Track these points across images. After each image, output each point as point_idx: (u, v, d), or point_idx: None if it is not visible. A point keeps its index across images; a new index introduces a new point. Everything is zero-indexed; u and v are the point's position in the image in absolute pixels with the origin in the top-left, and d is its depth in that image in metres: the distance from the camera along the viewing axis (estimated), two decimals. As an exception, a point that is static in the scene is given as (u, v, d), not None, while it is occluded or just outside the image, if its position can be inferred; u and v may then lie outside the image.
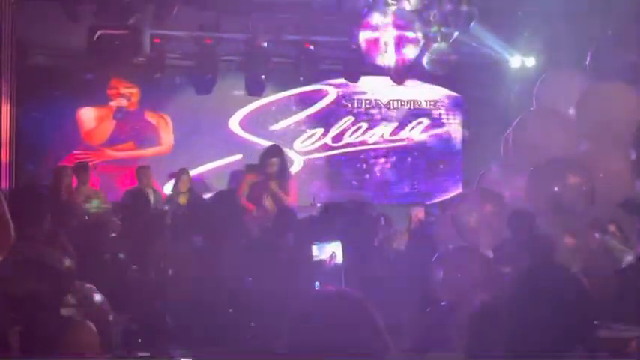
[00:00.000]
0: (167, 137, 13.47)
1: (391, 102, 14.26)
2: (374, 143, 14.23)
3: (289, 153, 13.83)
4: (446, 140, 14.40)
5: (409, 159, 14.32)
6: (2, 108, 9.78)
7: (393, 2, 10.10)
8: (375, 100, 14.22)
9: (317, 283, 4.76)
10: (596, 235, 6.84)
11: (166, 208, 10.00)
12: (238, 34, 12.13)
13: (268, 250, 5.36)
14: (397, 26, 10.47)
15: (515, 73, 12.40)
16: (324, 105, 14.11)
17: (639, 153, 7.13)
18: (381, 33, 10.64)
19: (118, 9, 10.34)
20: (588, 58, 7.65)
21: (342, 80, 13.75)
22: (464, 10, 10.39)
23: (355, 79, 13.43)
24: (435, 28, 11.02)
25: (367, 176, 14.19)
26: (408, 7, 10.14)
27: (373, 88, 14.12)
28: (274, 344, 3.83)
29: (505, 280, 6.19)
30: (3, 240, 3.20)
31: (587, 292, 3.71)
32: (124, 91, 13.23)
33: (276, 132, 13.87)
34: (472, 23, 10.59)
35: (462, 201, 7.47)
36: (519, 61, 12.54)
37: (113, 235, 6.10)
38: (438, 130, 14.37)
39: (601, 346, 3.79)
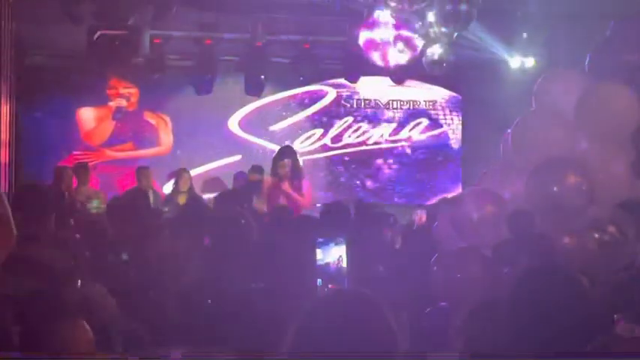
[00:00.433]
0: (166, 137, 13.48)
1: (390, 102, 14.25)
2: (373, 143, 14.23)
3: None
4: (445, 140, 14.39)
5: (408, 159, 14.31)
6: (2, 108, 9.78)
7: (392, 2, 10.11)
8: (375, 100, 14.22)
9: (319, 280, 4.76)
10: (596, 235, 6.85)
11: (165, 208, 9.98)
12: (238, 34, 12.13)
13: (271, 251, 5.36)
14: (396, 26, 10.49)
15: (515, 73, 12.41)
16: (324, 105, 14.11)
17: (639, 153, 7.14)
18: (380, 33, 10.65)
19: (117, 9, 10.35)
20: (588, 59, 7.66)
21: (341, 80, 13.75)
22: (463, 10, 10.39)
23: (355, 80, 13.43)
24: (434, 29, 11.03)
25: (366, 176, 14.18)
26: (407, 7, 10.14)
27: (373, 88, 14.12)
28: (277, 345, 3.83)
29: (504, 280, 6.20)
30: (5, 240, 3.21)
31: (586, 292, 3.71)
32: (123, 91, 13.23)
33: (275, 132, 13.88)
34: (471, 23, 10.59)
35: (462, 201, 7.47)
36: (519, 61, 12.54)
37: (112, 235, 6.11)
38: (438, 131, 14.37)
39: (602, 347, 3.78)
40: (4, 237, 3.17)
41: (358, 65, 12.33)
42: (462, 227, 7.12)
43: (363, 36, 10.66)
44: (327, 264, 4.87)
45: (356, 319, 2.20)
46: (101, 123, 13.22)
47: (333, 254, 4.88)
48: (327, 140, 14.03)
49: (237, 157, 13.46)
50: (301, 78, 13.10)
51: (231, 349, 4.15)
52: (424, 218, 10.71)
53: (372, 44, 10.71)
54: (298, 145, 13.86)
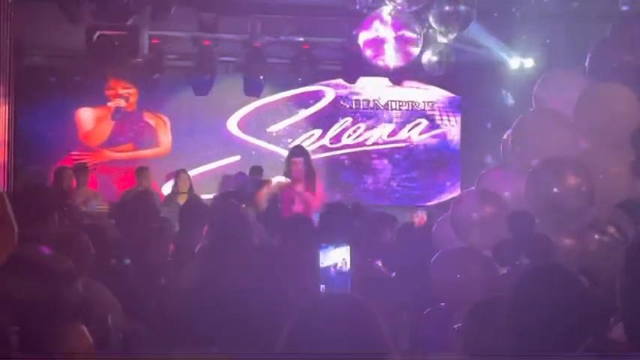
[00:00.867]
0: (165, 138, 13.48)
1: (389, 103, 14.26)
2: (372, 144, 14.23)
3: (287, 154, 13.82)
4: (444, 141, 14.40)
5: (407, 160, 14.31)
6: (0, 108, 9.77)
7: (391, 3, 10.10)
8: (374, 101, 14.23)
9: (322, 287, 4.75)
10: (596, 235, 6.85)
11: (165, 208, 9.97)
12: (236, 34, 12.13)
13: (273, 252, 5.36)
14: (395, 27, 10.47)
15: (514, 74, 12.41)
16: (323, 106, 14.11)
17: (639, 153, 7.13)
18: (379, 34, 10.64)
19: (116, 10, 10.34)
20: (587, 59, 7.65)
21: (340, 81, 13.76)
22: (462, 10, 10.39)
23: (353, 80, 13.43)
24: (433, 29, 11.03)
25: (365, 177, 14.18)
26: (406, 8, 10.13)
27: (371, 89, 14.13)
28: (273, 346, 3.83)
29: (504, 281, 6.19)
30: (6, 241, 3.19)
31: (586, 292, 3.71)
32: (122, 91, 13.23)
33: (274, 133, 13.88)
34: (471, 24, 10.59)
35: (461, 202, 7.46)
36: (518, 62, 12.54)
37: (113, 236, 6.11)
38: (437, 131, 14.37)
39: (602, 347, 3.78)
40: (5, 237, 3.16)
41: (357, 66, 12.32)
42: (461, 228, 7.11)
43: (362, 37, 10.64)
44: (330, 267, 4.86)
45: (346, 324, 2.20)
46: (100, 123, 13.22)
47: (336, 257, 4.87)
48: (325, 141, 14.04)
49: (236, 158, 13.46)
50: (300, 79, 13.12)
51: (229, 351, 4.14)
52: (424, 219, 10.73)
53: (370, 45, 10.69)
54: (297, 146, 13.87)
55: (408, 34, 10.42)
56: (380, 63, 10.80)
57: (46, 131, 12.62)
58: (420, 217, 11.15)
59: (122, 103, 13.22)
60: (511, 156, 7.62)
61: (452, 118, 14.39)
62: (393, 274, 7.59)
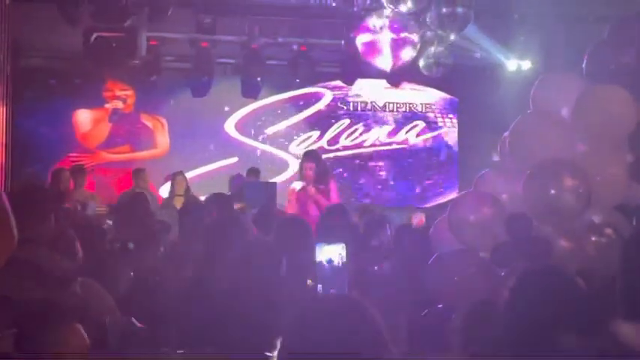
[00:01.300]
0: (163, 140, 13.47)
1: (387, 105, 14.27)
2: (370, 146, 14.24)
3: (284, 156, 13.85)
4: (442, 143, 14.41)
5: (405, 162, 14.32)
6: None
7: (389, 5, 10.12)
8: (371, 102, 14.24)
9: (319, 287, 4.74)
10: (593, 238, 6.85)
11: (163, 210, 9.97)
12: (234, 36, 12.14)
13: (268, 253, 5.35)
14: (393, 29, 10.49)
15: (512, 76, 12.43)
16: (320, 107, 14.12)
17: (636, 156, 7.14)
18: (377, 36, 10.66)
19: (114, 11, 10.34)
20: (585, 61, 7.67)
21: (338, 83, 13.76)
22: (460, 12, 10.40)
23: (351, 82, 13.44)
24: (431, 31, 11.04)
25: (363, 179, 14.19)
26: (404, 9, 10.15)
27: (369, 90, 14.14)
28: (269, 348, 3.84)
29: (502, 283, 6.19)
30: (5, 243, 3.19)
31: (584, 294, 3.72)
32: (119, 93, 13.23)
33: (272, 135, 13.88)
34: (468, 26, 10.60)
35: (459, 204, 7.46)
36: (515, 64, 12.56)
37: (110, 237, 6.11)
38: (434, 133, 14.39)
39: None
40: (5, 239, 3.15)
41: (355, 68, 12.33)
42: (459, 230, 7.11)
43: (360, 38, 10.66)
44: (328, 267, 4.86)
45: (345, 324, 2.20)
46: (97, 125, 13.21)
47: (334, 257, 4.87)
48: (323, 143, 14.04)
49: (234, 160, 13.46)
50: (298, 80, 13.11)
51: (224, 351, 4.14)
52: (421, 220, 10.73)
53: (368, 47, 10.71)
54: (295, 148, 13.87)
55: (406, 36, 10.43)
56: (377, 65, 10.82)
57: (44, 132, 12.62)
58: (418, 219, 11.15)
59: (120, 104, 13.21)
60: (509, 158, 7.62)
61: (449, 120, 14.40)
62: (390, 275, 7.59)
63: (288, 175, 13.68)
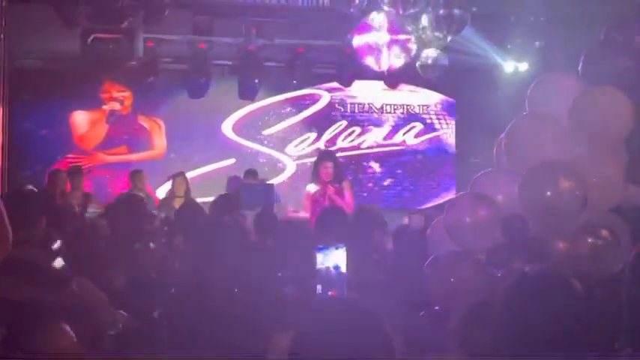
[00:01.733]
0: (160, 141, 13.47)
1: (384, 106, 14.28)
2: (367, 147, 14.25)
3: (282, 157, 13.86)
4: (439, 145, 14.42)
5: (402, 163, 14.33)
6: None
7: (386, 7, 10.12)
8: (368, 104, 14.25)
9: (319, 287, 4.75)
10: (589, 239, 6.85)
11: (161, 211, 9.96)
12: (231, 38, 12.14)
13: (267, 253, 5.36)
14: (390, 31, 10.50)
15: (508, 77, 12.44)
16: (317, 109, 14.12)
17: (632, 157, 7.15)
18: (374, 37, 10.66)
19: (111, 13, 10.35)
20: (581, 63, 7.68)
21: (335, 84, 13.77)
22: (457, 14, 10.41)
23: (348, 84, 13.45)
24: (428, 33, 11.04)
25: (360, 180, 14.19)
26: (401, 11, 10.16)
27: (366, 92, 14.15)
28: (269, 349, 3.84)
29: (498, 285, 6.20)
30: (1, 244, 3.20)
31: (579, 296, 3.73)
32: (117, 94, 13.22)
33: (269, 136, 13.89)
34: (465, 28, 10.61)
35: (455, 205, 7.46)
36: (512, 65, 12.58)
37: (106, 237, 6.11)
38: (431, 135, 14.40)
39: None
40: (0, 240, 3.16)
41: (352, 69, 12.35)
42: (455, 232, 7.12)
43: (357, 40, 10.67)
44: (327, 270, 4.86)
45: (350, 327, 2.21)
46: (95, 126, 13.21)
47: (333, 260, 4.87)
48: (320, 144, 14.04)
49: (231, 161, 13.46)
50: (295, 82, 13.11)
51: (223, 353, 4.15)
52: (418, 222, 10.71)
53: (365, 48, 10.72)
54: (292, 149, 13.88)
55: (403, 37, 10.44)
56: (375, 66, 10.83)
57: (41, 134, 12.62)
58: (415, 221, 11.14)
59: (117, 106, 13.20)
60: (505, 160, 7.63)
61: (446, 122, 14.42)
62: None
63: (285, 176, 13.70)
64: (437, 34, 10.86)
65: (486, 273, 6.73)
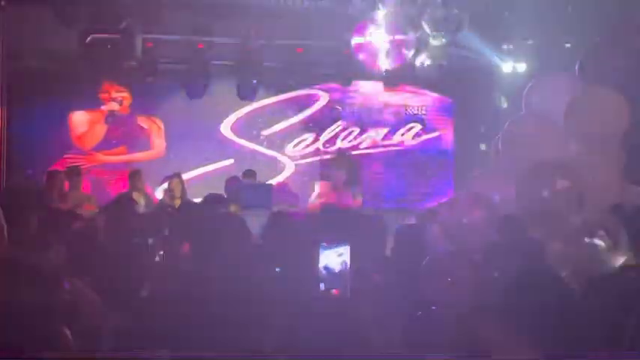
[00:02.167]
0: (159, 141, 13.47)
1: (383, 106, 14.28)
2: (366, 148, 14.25)
3: (281, 157, 13.86)
4: (437, 145, 14.43)
5: (400, 163, 14.33)
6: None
7: (384, 7, 10.14)
8: (367, 104, 14.25)
9: (322, 286, 4.76)
10: (586, 239, 6.86)
11: (159, 211, 9.95)
12: (230, 38, 12.14)
13: (269, 253, 5.37)
14: (389, 31, 10.51)
15: (506, 78, 12.45)
16: (316, 109, 14.12)
17: (629, 158, 7.17)
18: (372, 38, 10.68)
19: (109, 13, 10.35)
20: (578, 64, 7.70)
21: (333, 84, 13.77)
22: (455, 15, 10.43)
23: (347, 84, 13.46)
24: (426, 33, 11.06)
25: (359, 181, 14.18)
26: (399, 12, 10.17)
27: (365, 92, 14.14)
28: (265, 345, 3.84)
29: (494, 285, 6.20)
30: None
31: (574, 295, 3.73)
32: (115, 95, 13.22)
33: (268, 136, 13.89)
34: (463, 28, 10.63)
35: (452, 205, 7.49)
36: (510, 66, 12.59)
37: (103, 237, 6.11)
38: (430, 135, 14.40)
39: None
40: None
41: (351, 69, 12.35)
42: (452, 231, 7.13)
43: (356, 41, 10.68)
44: (330, 269, 4.87)
45: (332, 323, 2.23)
46: (93, 127, 13.21)
47: (335, 258, 4.88)
48: (319, 144, 14.04)
49: (230, 162, 13.46)
50: (294, 82, 13.12)
51: (220, 352, 4.15)
52: (416, 222, 10.70)
53: (364, 49, 10.73)
54: (291, 149, 13.88)
55: (402, 38, 10.46)
56: (373, 67, 10.84)
57: (40, 134, 12.60)
58: (412, 221, 11.15)
59: (116, 106, 13.20)
60: (502, 160, 7.65)
61: (445, 122, 14.42)
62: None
63: (284, 176, 13.70)
64: (435, 34, 10.88)
65: (483, 273, 6.73)
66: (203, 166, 13.38)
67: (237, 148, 13.69)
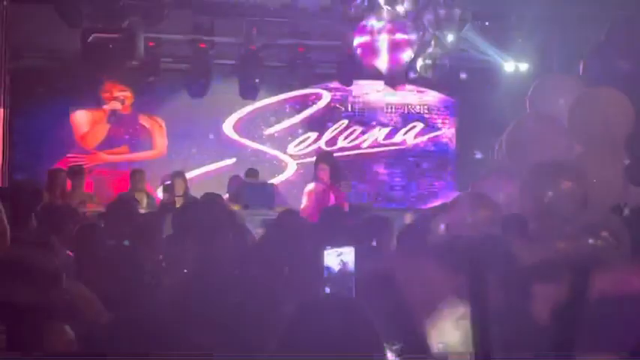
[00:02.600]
0: (161, 141, 13.47)
1: (385, 106, 14.28)
2: (368, 147, 14.24)
3: (283, 157, 13.85)
4: (439, 144, 14.42)
5: (403, 163, 14.33)
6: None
7: (387, 6, 10.13)
8: (369, 103, 14.24)
9: (327, 289, 4.76)
10: (590, 240, 6.85)
11: (161, 211, 9.95)
12: (232, 37, 12.14)
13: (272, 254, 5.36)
14: (391, 30, 10.50)
15: (509, 78, 12.42)
16: (318, 109, 14.12)
17: (632, 158, 7.16)
18: (375, 37, 10.67)
19: (111, 12, 10.35)
20: (582, 64, 7.68)
21: (336, 84, 13.76)
22: (457, 14, 10.41)
23: (349, 83, 13.45)
24: (428, 33, 11.05)
25: (361, 180, 14.18)
26: (402, 11, 10.16)
27: (367, 91, 14.14)
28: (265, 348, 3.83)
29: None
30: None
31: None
32: (117, 94, 13.21)
33: (270, 136, 13.88)
34: (466, 28, 10.61)
35: (456, 205, 7.47)
36: (513, 66, 12.56)
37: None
38: (432, 134, 14.39)
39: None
40: None
41: (352, 69, 12.34)
42: (455, 231, 7.12)
43: (358, 40, 10.67)
44: (335, 271, 4.87)
45: (340, 325, 2.22)
46: (96, 126, 13.21)
47: (342, 260, 4.87)
48: (321, 144, 14.03)
49: (232, 161, 13.46)
50: (296, 81, 13.11)
51: (223, 352, 4.15)
52: (418, 222, 10.69)
53: (366, 48, 10.72)
54: (293, 149, 13.88)
55: (403, 37, 10.44)
56: (375, 66, 10.83)
57: (42, 133, 12.60)
58: (415, 220, 11.14)
59: (118, 105, 13.19)
60: (506, 160, 7.64)
61: (447, 122, 14.41)
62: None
63: (286, 176, 13.70)
64: (437, 33, 10.87)
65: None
66: (205, 165, 13.38)
67: (240, 148, 13.68)
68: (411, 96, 14.26)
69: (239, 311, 4.56)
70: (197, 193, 11.21)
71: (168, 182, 11.02)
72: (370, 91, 14.13)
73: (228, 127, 13.69)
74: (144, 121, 13.42)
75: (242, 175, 11.92)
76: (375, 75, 11.97)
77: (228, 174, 12.52)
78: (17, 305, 3.22)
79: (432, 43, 11.34)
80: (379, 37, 10.44)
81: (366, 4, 10.74)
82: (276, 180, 12.91)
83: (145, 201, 10.79)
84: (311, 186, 9.47)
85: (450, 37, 10.79)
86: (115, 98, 13.18)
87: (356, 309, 2.31)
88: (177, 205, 10.16)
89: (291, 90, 13.71)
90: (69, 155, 12.91)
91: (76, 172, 11.05)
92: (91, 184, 12.23)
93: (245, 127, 13.76)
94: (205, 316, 4.48)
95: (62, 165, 12.07)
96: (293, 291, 4.87)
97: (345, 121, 14.18)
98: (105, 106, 13.19)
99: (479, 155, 10.13)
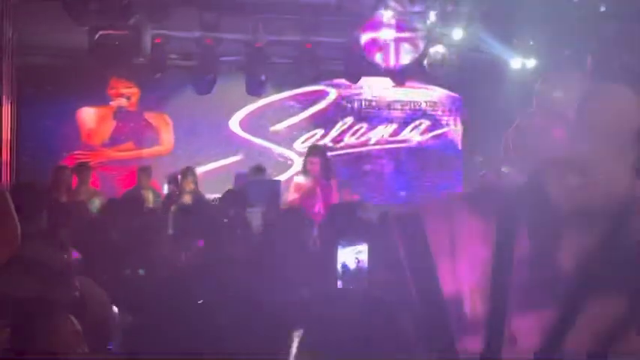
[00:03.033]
0: (167, 137, 13.49)
1: (391, 103, 14.27)
2: (374, 144, 14.24)
3: (289, 154, 13.86)
4: (446, 141, 14.41)
5: (409, 160, 14.32)
6: (2, 108, 9.79)
7: (394, 3, 10.11)
8: (376, 101, 14.24)
9: (340, 283, 4.78)
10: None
11: (169, 207, 9.96)
12: (239, 34, 12.12)
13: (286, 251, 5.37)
14: (398, 27, 10.49)
15: (516, 74, 12.40)
16: (325, 105, 14.12)
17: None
18: (381, 34, 10.66)
19: (118, 9, 10.34)
20: (589, 60, 7.66)
21: (342, 81, 13.76)
22: (464, 11, 10.40)
23: (355, 80, 13.43)
24: (435, 30, 11.03)
25: (367, 177, 14.19)
26: (408, 8, 10.15)
27: (373, 88, 14.14)
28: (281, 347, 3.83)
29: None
30: (9, 239, 3.20)
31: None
32: (124, 91, 13.24)
33: (276, 132, 13.89)
34: (473, 25, 10.59)
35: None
36: (520, 62, 12.53)
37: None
38: (438, 131, 14.39)
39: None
40: (8, 235, 3.16)
41: (359, 66, 12.32)
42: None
43: (365, 37, 10.67)
44: (349, 267, 4.87)
45: (369, 321, 2.22)
46: (102, 123, 13.23)
47: (355, 257, 4.88)
48: (327, 140, 14.04)
49: (238, 157, 13.47)
50: (302, 78, 13.11)
51: (235, 352, 4.15)
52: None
53: (373, 45, 10.72)
54: (299, 146, 13.88)
55: (410, 34, 10.43)
56: (382, 63, 10.82)
57: (49, 130, 12.63)
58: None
59: (124, 102, 13.22)
60: (512, 156, 7.61)
61: (453, 119, 14.40)
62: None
63: (292, 172, 13.70)
64: (444, 30, 10.85)
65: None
66: (211, 162, 13.39)
67: (246, 144, 13.69)
68: (417, 93, 14.26)
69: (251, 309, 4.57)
70: (203, 189, 11.24)
71: (179, 175, 11.04)
72: (377, 88, 14.12)
73: (234, 123, 13.70)
74: (150, 117, 13.44)
75: (248, 171, 11.92)
76: (382, 72, 11.96)
77: (234, 171, 12.53)
78: (27, 301, 3.23)
79: (439, 40, 11.32)
80: (386, 34, 10.44)
81: (373, 0, 10.74)
82: (282, 177, 12.91)
83: (151, 198, 10.81)
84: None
85: (457, 34, 10.77)
86: (122, 95, 13.21)
87: (382, 304, 2.30)
88: (186, 201, 10.21)
89: (298, 87, 13.71)
90: (76, 152, 12.94)
91: (83, 169, 11.07)
92: (98, 181, 12.26)
93: (251, 123, 13.77)
94: (213, 312, 4.49)
95: (69, 162, 12.10)
96: (298, 288, 4.87)
97: (352, 118, 14.19)
98: (111, 103, 13.22)
99: (480, 159, 10.09)
